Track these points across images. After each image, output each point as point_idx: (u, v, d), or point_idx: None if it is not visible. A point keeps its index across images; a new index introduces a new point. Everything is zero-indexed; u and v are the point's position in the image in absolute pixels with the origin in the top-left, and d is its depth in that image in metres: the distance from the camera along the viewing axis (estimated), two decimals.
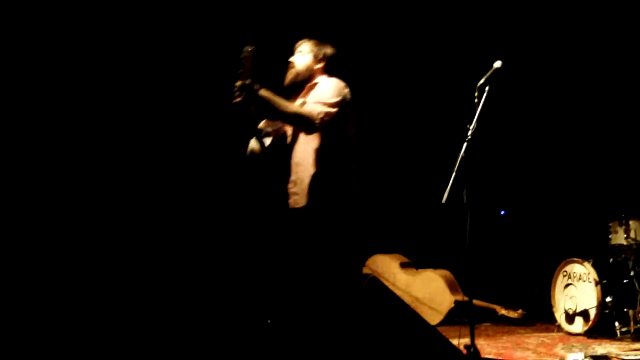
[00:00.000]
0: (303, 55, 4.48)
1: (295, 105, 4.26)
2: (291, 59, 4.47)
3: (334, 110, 4.22)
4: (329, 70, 4.48)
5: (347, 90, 4.33)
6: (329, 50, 4.50)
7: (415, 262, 7.40)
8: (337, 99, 4.26)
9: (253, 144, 4.35)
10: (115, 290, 5.82)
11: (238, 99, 4.05)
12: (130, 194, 6.42)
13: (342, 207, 4.22)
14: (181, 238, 6.36)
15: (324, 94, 4.28)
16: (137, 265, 6.06)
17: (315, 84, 4.42)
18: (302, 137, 4.36)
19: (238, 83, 4.04)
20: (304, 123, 4.21)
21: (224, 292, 5.80)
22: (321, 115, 4.19)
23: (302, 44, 4.52)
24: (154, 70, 6.56)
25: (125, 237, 6.16)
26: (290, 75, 4.46)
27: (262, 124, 4.39)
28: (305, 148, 4.34)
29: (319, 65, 4.47)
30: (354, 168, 4.32)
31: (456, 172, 4.20)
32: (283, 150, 4.44)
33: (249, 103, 4.07)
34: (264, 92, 4.10)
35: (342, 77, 4.43)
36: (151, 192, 6.49)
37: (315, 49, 4.48)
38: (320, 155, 4.28)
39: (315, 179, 4.27)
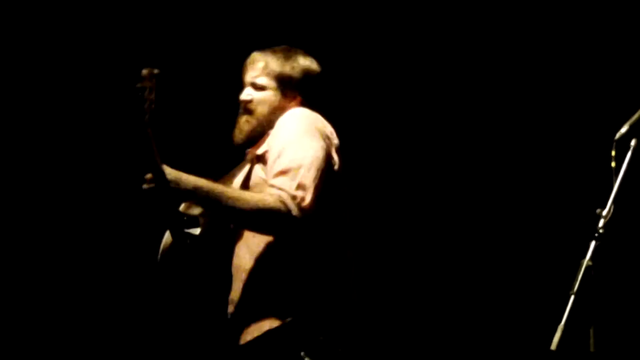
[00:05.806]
0: (264, 91, 2.86)
1: (251, 196, 2.67)
2: (243, 97, 2.88)
3: (315, 175, 2.63)
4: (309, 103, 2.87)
5: (327, 130, 2.77)
6: (305, 63, 2.85)
7: None
8: (316, 150, 2.67)
9: (169, 239, 2.96)
10: None
11: (147, 187, 2.66)
12: None
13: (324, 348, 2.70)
14: None
15: (290, 153, 2.68)
16: None
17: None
18: None
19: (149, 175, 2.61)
20: (273, 224, 2.64)
21: None
22: (297, 200, 2.60)
23: (257, 64, 2.86)
24: None
25: None
26: (245, 127, 2.88)
27: (183, 206, 2.90)
28: (254, 241, 2.80)
29: (294, 102, 2.85)
30: (350, 256, 2.85)
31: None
32: (223, 243, 2.90)
33: (166, 189, 2.63)
34: (191, 182, 2.63)
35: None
36: None
37: (286, 70, 2.84)
38: (279, 251, 2.74)
39: (262, 296, 2.75)
